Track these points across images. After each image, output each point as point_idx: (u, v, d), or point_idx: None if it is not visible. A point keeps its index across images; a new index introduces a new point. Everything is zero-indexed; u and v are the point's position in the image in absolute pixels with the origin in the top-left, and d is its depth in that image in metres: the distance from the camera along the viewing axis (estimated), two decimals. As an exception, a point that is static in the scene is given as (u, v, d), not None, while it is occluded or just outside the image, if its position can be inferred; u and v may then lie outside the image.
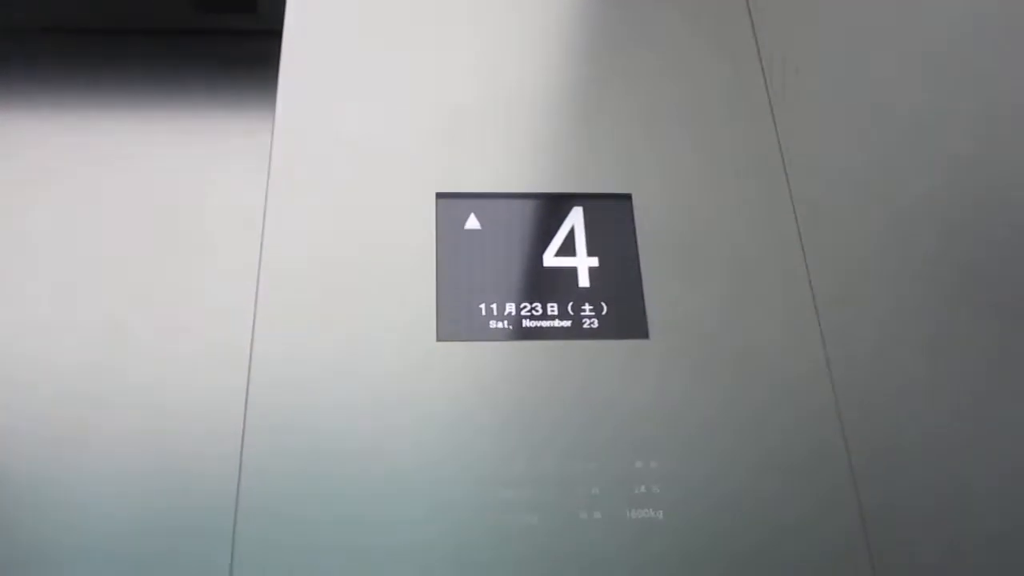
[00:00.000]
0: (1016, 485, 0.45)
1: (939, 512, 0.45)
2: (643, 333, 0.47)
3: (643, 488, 0.43)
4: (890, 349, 0.48)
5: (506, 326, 0.47)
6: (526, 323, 0.47)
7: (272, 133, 0.51)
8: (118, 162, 0.59)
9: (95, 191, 0.58)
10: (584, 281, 0.48)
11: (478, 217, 0.50)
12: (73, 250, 0.55)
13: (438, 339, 0.46)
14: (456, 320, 0.47)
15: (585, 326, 0.47)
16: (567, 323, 0.47)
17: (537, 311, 0.47)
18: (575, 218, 0.50)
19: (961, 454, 0.46)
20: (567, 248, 0.49)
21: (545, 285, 0.48)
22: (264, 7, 0.64)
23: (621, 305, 0.48)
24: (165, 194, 0.57)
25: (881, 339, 0.48)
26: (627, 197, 0.50)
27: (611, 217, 0.50)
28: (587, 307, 0.48)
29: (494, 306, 0.47)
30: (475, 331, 0.46)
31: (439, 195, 0.50)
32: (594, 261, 0.49)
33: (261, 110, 0.60)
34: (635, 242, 0.49)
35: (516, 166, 0.51)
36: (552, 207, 0.50)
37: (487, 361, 0.46)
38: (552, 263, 0.49)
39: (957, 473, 0.45)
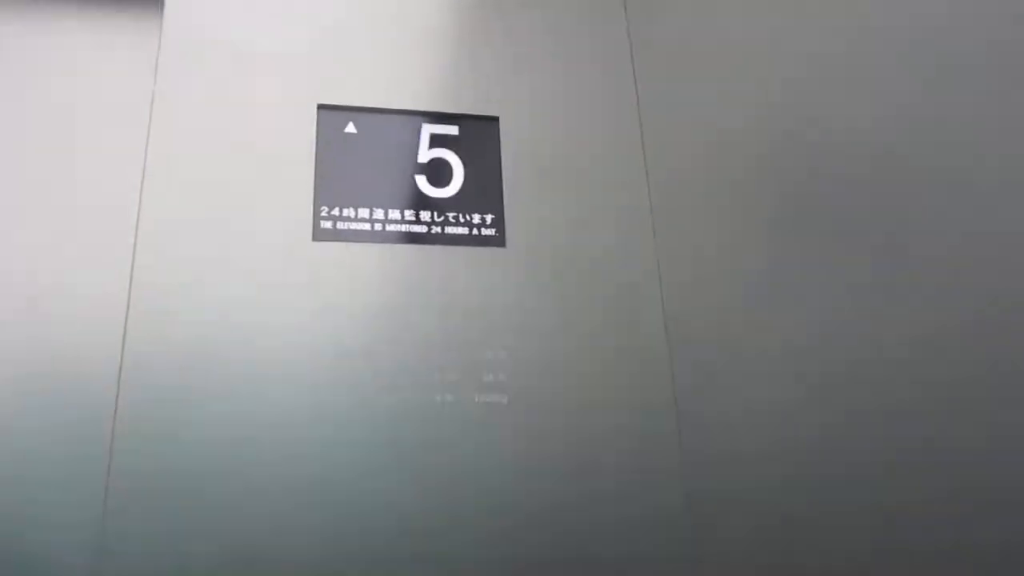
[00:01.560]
0: (824, 394, 0.53)
1: (746, 411, 0.52)
2: (501, 243, 0.52)
3: (491, 377, 0.49)
4: (712, 263, 0.54)
5: (378, 230, 0.51)
6: (396, 227, 0.51)
7: (160, 37, 0.53)
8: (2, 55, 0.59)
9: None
10: (452, 193, 0.53)
11: (356, 128, 0.53)
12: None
13: (313, 239, 0.50)
14: (331, 223, 0.51)
15: (450, 233, 0.52)
16: (435, 230, 0.52)
17: (408, 217, 0.52)
18: (447, 135, 0.54)
19: (770, 355, 0.53)
20: (438, 163, 0.54)
21: (416, 195, 0.53)
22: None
23: (483, 216, 0.53)
24: (48, 89, 0.58)
25: (708, 253, 0.55)
26: (495, 120, 0.55)
27: (480, 137, 0.55)
28: (452, 217, 0.52)
29: (367, 211, 0.51)
30: (348, 234, 0.51)
31: (320, 106, 0.53)
32: (461, 176, 0.54)
33: (147, 10, 0.61)
34: (499, 161, 0.54)
35: (396, 83, 0.55)
36: (426, 124, 0.54)
37: (359, 262, 0.50)
38: (423, 175, 0.53)
39: (764, 370, 0.53)
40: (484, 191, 0.53)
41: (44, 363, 0.50)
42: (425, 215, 0.52)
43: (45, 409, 0.49)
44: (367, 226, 0.51)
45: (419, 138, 0.54)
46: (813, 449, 0.51)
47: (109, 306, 0.50)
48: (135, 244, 0.49)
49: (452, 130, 0.55)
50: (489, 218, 0.53)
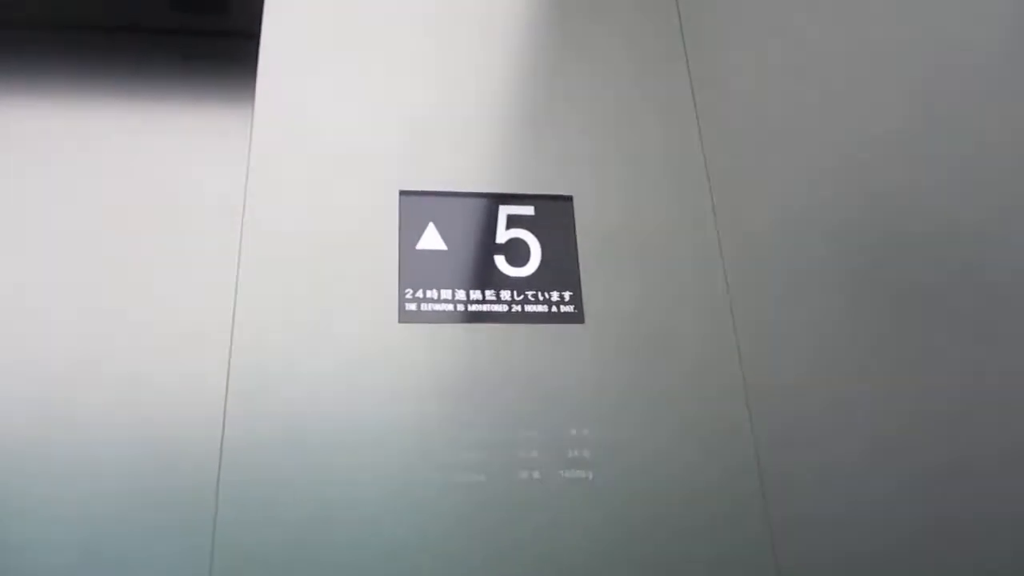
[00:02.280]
0: (902, 462, 0.53)
1: (832, 479, 0.52)
2: (580, 319, 0.54)
3: (576, 452, 0.50)
4: (794, 336, 0.55)
5: (460, 311, 0.53)
6: (478, 308, 0.53)
7: (251, 131, 0.56)
8: (98, 152, 0.62)
9: (72, 181, 0.61)
10: (530, 272, 0.55)
11: (437, 212, 0.56)
12: (58, 238, 0.59)
13: (399, 321, 0.52)
14: (415, 305, 0.53)
15: (530, 311, 0.54)
16: (515, 309, 0.53)
17: (488, 298, 0.53)
18: (523, 216, 0.56)
19: (854, 429, 0.53)
20: (515, 243, 0.56)
21: (496, 275, 0.54)
22: (236, 10, 0.69)
23: (562, 294, 0.54)
24: (151, 176, 0.61)
25: (786, 326, 0.55)
26: (569, 199, 0.57)
27: (555, 215, 0.57)
28: (532, 295, 0.54)
29: (449, 292, 0.53)
30: (432, 315, 0.53)
31: (402, 192, 0.56)
32: (539, 255, 0.55)
33: (235, 106, 0.64)
34: (575, 239, 0.56)
35: (472, 168, 0.57)
36: (503, 206, 0.56)
37: (443, 342, 0.52)
38: (502, 255, 0.55)
39: (850, 446, 0.53)
40: (561, 269, 0.55)
41: (147, 443, 0.52)
42: (505, 294, 0.54)
43: (149, 489, 0.51)
44: (450, 307, 0.53)
45: (497, 219, 0.56)
46: (903, 517, 0.51)
47: (209, 387, 0.52)
48: (232, 326, 0.51)
49: (528, 210, 0.56)
50: (567, 295, 0.54)
